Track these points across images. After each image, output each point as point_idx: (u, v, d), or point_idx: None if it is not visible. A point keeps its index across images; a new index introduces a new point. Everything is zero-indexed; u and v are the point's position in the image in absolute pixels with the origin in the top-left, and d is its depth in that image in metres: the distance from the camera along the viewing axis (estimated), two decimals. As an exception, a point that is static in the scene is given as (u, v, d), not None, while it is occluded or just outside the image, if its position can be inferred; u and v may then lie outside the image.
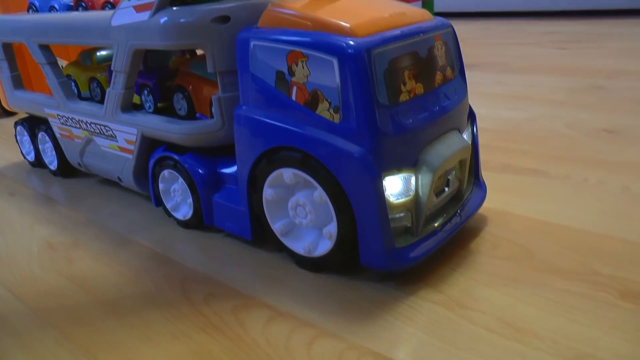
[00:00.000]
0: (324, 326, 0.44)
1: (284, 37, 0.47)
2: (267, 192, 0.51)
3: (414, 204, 0.48)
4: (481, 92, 1.11)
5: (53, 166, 0.82)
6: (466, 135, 0.56)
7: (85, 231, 0.64)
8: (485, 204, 0.59)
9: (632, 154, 0.73)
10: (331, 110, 0.46)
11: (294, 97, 0.48)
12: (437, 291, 0.47)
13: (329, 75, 0.45)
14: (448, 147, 0.50)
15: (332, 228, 0.48)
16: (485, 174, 0.67)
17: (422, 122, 0.48)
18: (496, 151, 0.78)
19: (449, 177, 0.53)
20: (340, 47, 0.44)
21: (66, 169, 0.81)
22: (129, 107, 0.64)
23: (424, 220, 0.49)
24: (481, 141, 0.79)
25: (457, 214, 0.53)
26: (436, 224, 0.51)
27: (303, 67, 0.46)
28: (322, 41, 0.45)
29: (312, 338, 0.42)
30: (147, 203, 0.70)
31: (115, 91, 0.63)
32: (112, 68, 0.62)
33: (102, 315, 0.48)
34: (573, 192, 0.64)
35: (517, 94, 1.09)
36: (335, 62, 0.44)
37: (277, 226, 0.52)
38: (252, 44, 0.49)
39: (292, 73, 0.47)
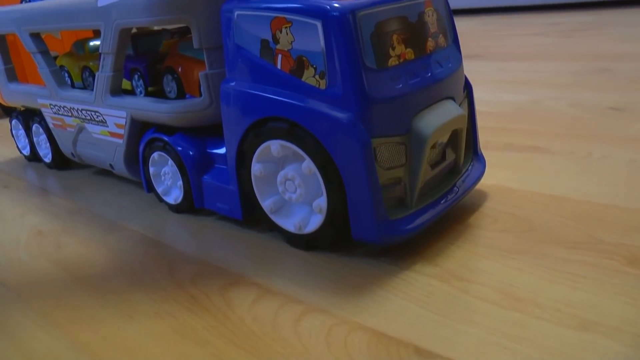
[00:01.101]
0: (313, 302, 0.42)
1: (267, 4, 0.45)
2: (255, 167, 0.50)
3: (407, 174, 0.46)
4: (483, 79, 1.09)
5: (48, 159, 0.81)
6: (462, 107, 0.54)
7: (76, 218, 0.63)
8: (485, 181, 0.57)
9: (639, 129, 0.71)
10: (317, 77, 0.44)
11: (279, 66, 0.46)
12: (433, 264, 0.45)
13: (313, 40, 0.43)
14: (441, 115, 0.48)
15: (322, 201, 0.46)
16: (486, 153, 0.65)
17: (413, 88, 0.46)
18: (498, 132, 0.76)
19: (445, 149, 0.51)
20: (324, 10, 0.42)
21: (61, 161, 0.80)
22: (118, 90, 0.63)
23: (418, 192, 0.47)
24: (482, 123, 0.77)
25: (455, 188, 0.51)
26: (432, 198, 0.49)
27: (287, 34, 0.45)
28: (304, 5, 0.43)
29: (300, 314, 0.40)
30: (139, 190, 0.68)
31: (104, 74, 0.62)
32: (100, 51, 0.60)
33: (86, 297, 0.46)
34: (576, 166, 0.61)
35: (520, 79, 1.06)
36: (319, 25, 0.42)
37: (266, 203, 0.50)
38: (235, 13, 0.47)
39: (276, 40, 0.45)
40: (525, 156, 0.66)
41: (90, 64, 0.74)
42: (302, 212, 0.49)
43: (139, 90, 0.66)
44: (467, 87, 0.55)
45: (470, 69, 0.50)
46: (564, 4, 2.15)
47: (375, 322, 0.39)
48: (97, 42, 0.76)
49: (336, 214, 0.46)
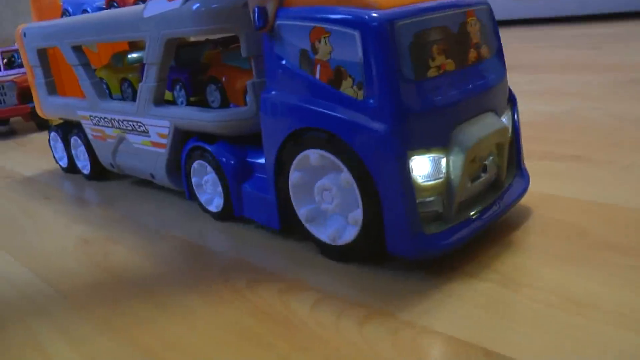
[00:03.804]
0: (375, 305, 0.42)
1: (307, 14, 0.46)
2: (294, 175, 0.49)
3: (445, 188, 0.45)
4: (515, 90, 1.09)
5: (86, 170, 0.82)
6: (505, 120, 0.53)
7: (121, 228, 0.63)
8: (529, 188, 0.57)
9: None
10: (355, 87, 0.44)
11: (317, 76, 0.46)
12: (491, 270, 0.45)
13: (351, 50, 0.43)
14: (482, 128, 0.47)
15: (357, 214, 0.46)
16: (526, 162, 0.65)
17: (453, 100, 0.45)
18: (534, 141, 0.76)
19: (486, 163, 0.49)
20: (362, 20, 0.42)
21: (99, 172, 0.81)
22: (162, 100, 0.64)
23: (456, 206, 0.46)
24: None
25: (496, 204, 0.50)
26: (472, 213, 0.48)
27: (326, 44, 0.45)
28: (343, 15, 0.43)
29: (363, 318, 0.41)
30: (182, 201, 0.69)
31: (147, 85, 0.63)
32: (144, 61, 0.62)
33: (142, 303, 0.47)
34: (619, 175, 0.61)
35: (553, 91, 1.06)
36: (357, 35, 0.42)
37: (302, 211, 0.50)
38: (276, 24, 0.48)
39: (315, 51, 0.46)
40: (566, 165, 0.66)
41: (130, 75, 0.75)
42: (337, 223, 0.49)
43: (180, 100, 0.67)
44: (511, 99, 0.55)
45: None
46: (590, 16, 2.14)
47: (441, 325, 0.39)
48: (137, 55, 0.77)
49: (371, 227, 0.45)
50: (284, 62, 0.48)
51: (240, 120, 0.56)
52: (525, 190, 0.54)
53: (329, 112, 0.45)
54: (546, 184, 0.60)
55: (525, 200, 0.56)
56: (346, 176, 0.45)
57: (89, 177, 0.83)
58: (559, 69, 1.27)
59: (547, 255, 0.46)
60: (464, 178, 0.46)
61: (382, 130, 0.42)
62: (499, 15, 2.28)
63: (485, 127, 0.47)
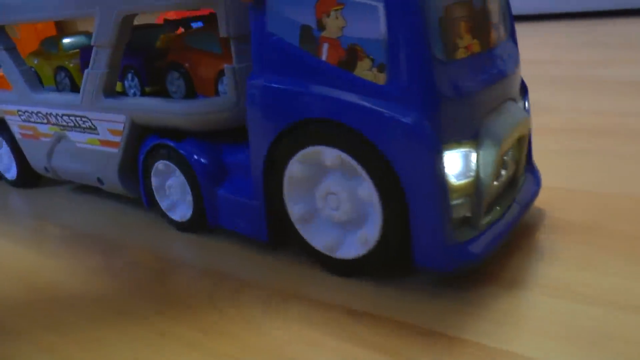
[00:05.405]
0: (450, 332, 0.35)
1: None
2: (293, 167, 0.41)
3: (474, 188, 0.39)
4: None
5: (10, 175, 0.70)
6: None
7: (69, 245, 0.53)
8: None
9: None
10: (374, 70, 0.37)
11: (324, 57, 0.39)
12: (543, 285, 0.39)
13: (371, 25, 0.36)
14: (509, 119, 0.42)
15: (371, 230, 0.39)
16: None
17: (482, 86, 0.40)
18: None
19: (505, 158, 0.44)
20: None
21: (27, 178, 0.70)
22: (113, 90, 0.54)
23: (485, 209, 0.40)
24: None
25: (516, 203, 0.45)
26: (494, 215, 0.42)
27: (337, 18, 0.38)
28: None
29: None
30: (135, 208, 0.59)
31: (96, 72, 0.53)
32: (92, 43, 0.52)
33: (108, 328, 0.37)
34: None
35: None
36: (380, 7, 0.36)
37: (296, 209, 0.42)
38: (270, -5, 0.40)
39: (322, 26, 0.38)
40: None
41: (66, 63, 0.64)
42: (338, 231, 0.42)
43: (132, 91, 0.57)
44: (524, 88, 0.50)
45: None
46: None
47: (520, 348, 0.33)
48: (75, 39, 0.67)
49: (390, 239, 0.39)
50: (277, 41, 0.40)
51: (217, 112, 0.47)
52: (539, 186, 0.49)
53: (341, 99, 0.38)
54: (556, 178, 0.56)
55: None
56: (366, 187, 0.38)
57: (15, 184, 0.70)
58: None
59: (580, 260, 0.41)
60: (494, 176, 0.40)
61: (413, 120, 0.36)
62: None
63: (512, 117, 0.42)
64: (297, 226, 0.43)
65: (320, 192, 0.42)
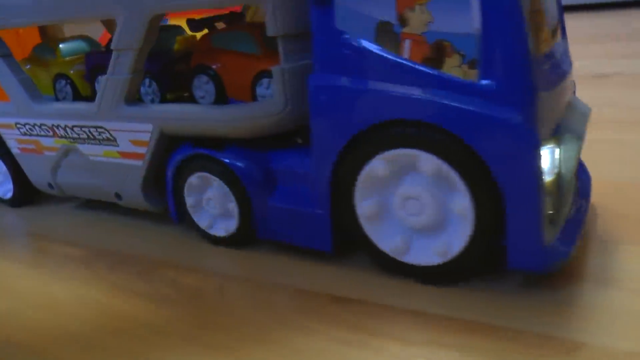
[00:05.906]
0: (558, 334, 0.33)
1: None
2: (375, 164, 0.38)
3: (556, 185, 0.38)
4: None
5: (7, 195, 0.64)
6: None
7: (91, 267, 0.48)
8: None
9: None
10: (464, 66, 0.34)
11: (406, 54, 0.36)
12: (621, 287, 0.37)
13: (462, 19, 0.34)
14: (581, 112, 0.41)
15: (456, 240, 0.37)
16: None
17: (561, 80, 0.39)
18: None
19: None
20: None
21: (25, 196, 0.63)
22: (135, 98, 0.49)
23: (563, 206, 0.39)
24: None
25: (580, 196, 0.44)
26: (567, 210, 0.41)
27: (422, 12, 0.35)
28: None
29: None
30: (158, 223, 0.54)
31: (117, 77, 0.48)
32: (113, 46, 0.47)
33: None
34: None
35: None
36: None
37: (364, 205, 0.39)
38: (339, -9, 0.37)
39: (404, 22, 0.36)
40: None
41: (68, 70, 0.59)
42: (409, 234, 0.39)
43: (149, 98, 0.52)
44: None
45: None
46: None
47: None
48: (75, 44, 0.61)
49: (476, 249, 0.37)
50: (348, 39, 0.37)
51: (262, 118, 0.43)
52: (589, 178, 0.48)
53: (429, 98, 0.35)
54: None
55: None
56: (461, 198, 0.36)
57: (12, 204, 0.64)
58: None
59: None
60: (574, 171, 0.38)
61: (515, 117, 0.33)
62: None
63: (583, 111, 0.41)
64: (362, 222, 0.40)
65: (400, 195, 0.38)
